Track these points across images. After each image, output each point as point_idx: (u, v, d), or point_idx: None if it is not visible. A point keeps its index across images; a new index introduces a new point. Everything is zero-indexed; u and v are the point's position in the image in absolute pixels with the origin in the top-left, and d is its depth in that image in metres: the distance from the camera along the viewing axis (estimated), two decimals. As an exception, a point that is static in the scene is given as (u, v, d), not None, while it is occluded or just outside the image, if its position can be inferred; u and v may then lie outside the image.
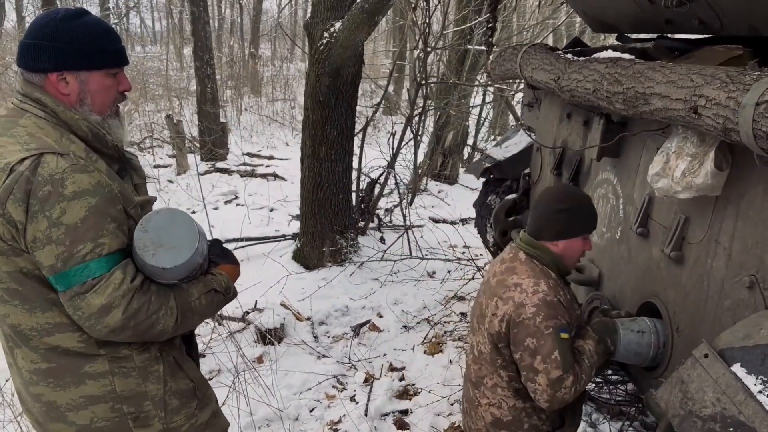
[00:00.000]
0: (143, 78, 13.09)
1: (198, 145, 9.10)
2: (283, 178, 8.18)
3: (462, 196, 7.31)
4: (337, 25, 4.51)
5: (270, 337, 3.66)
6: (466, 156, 8.80)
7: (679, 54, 2.50)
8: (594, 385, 3.11)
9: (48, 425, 1.52)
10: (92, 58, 1.45)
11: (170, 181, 7.92)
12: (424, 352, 3.68)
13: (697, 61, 2.27)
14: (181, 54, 21.57)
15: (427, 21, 4.69)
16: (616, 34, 3.34)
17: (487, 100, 9.04)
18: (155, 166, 8.66)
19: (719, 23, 2.26)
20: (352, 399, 3.22)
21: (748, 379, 1.45)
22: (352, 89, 4.74)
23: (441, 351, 3.67)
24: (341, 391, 3.30)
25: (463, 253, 5.27)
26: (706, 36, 2.76)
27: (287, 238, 5.55)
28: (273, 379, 3.25)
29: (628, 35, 3.10)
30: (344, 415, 3.06)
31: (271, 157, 9.54)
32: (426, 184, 7.40)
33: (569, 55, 2.88)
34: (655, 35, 3.12)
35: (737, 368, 1.49)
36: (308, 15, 4.94)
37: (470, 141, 8.65)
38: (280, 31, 24.75)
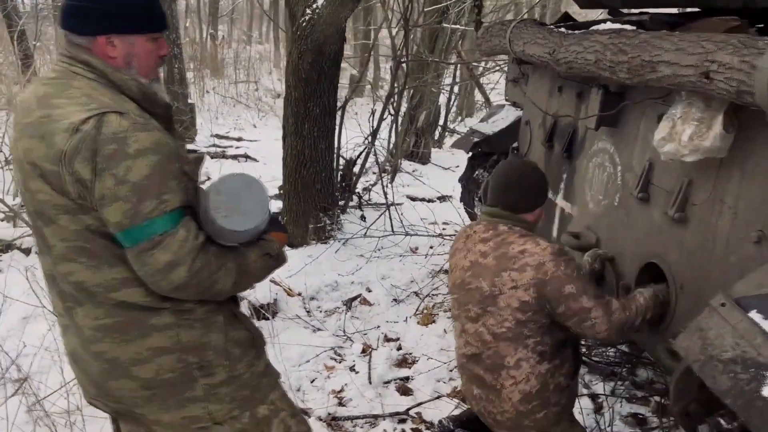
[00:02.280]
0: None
1: (165, 127, 8.93)
2: (255, 159, 8.11)
3: (436, 175, 7.39)
4: (320, 1, 4.49)
5: (264, 312, 3.68)
6: (437, 137, 8.88)
7: (673, 27, 2.60)
8: (585, 348, 3.24)
9: (108, 383, 1.53)
10: (139, 22, 1.49)
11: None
12: (418, 323, 3.75)
13: (696, 32, 2.37)
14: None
15: (410, -2, 4.72)
16: (601, 11, 3.43)
17: (457, 79, 9.12)
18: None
19: (714, -4, 2.37)
20: (352, 369, 3.28)
21: (765, 324, 1.56)
22: (335, 66, 4.74)
23: (434, 321, 3.76)
24: (340, 362, 3.35)
25: (444, 229, 5.35)
26: (694, 10, 2.88)
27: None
28: (273, 353, 3.27)
29: (620, 11, 3.19)
30: (346, 384, 3.11)
31: (240, 139, 9.44)
32: (400, 163, 7.45)
33: (562, 29, 2.96)
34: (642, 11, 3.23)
35: (754, 314, 1.59)
36: (289, -9, 4.89)
37: (441, 122, 8.73)
38: (237, 13, 24.31)
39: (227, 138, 9.47)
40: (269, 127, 10.52)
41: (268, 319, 3.64)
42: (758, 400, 1.46)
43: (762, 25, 2.33)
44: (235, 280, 1.51)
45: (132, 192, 1.36)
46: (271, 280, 4.07)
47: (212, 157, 8.10)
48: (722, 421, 1.70)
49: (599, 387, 3.01)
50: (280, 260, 1.68)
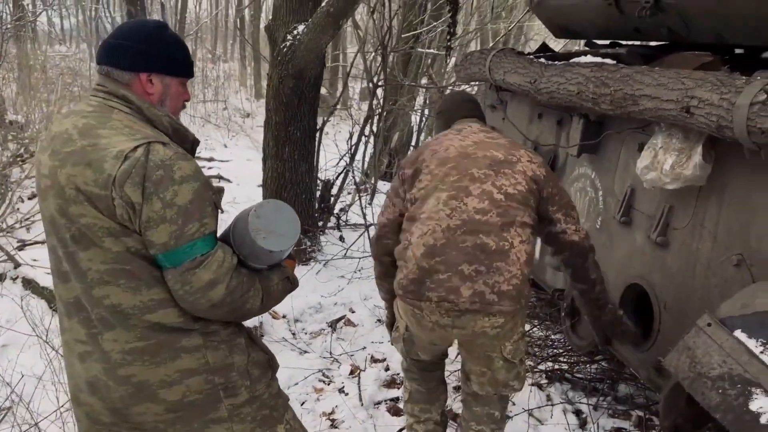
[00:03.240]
0: (62, 78, 12.52)
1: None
2: (228, 180, 8.09)
3: (409, 194, 7.49)
4: (301, 27, 4.57)
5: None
6: (408, 156, 9.00)
7: (648, 59, 2.76)
8: (568, 366, 3.35)
9: (130, 408, 1.55)
10: (176, 66, 1.64)
11: (110, 185, 7.68)
12: (403, 343, 3.81)
13: (670, 66, 2.53)
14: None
15: (389, 24, 4.84)
16: (577, 40, 3.60)
17: (428, 102, 9.28)
18: (91, 170, 8.36)
19: (687, 32, 2.53)
20: (341, 390, 3.32)
21: (750, 342, 1.68)
22: (315, 90, 4.82)
23: (419, 342, 3.82)
24: (328, 384, 3.39)
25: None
26: (663, 43, 3.05)
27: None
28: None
29: (595, 41, 3.36)
30: (337, 405, 3.15)
31: (211, 159, 9.40)
32: (375, 184, 7.54)
33: (542, 59, 3.10)
34: (610, 41, 3.40)
35: (738, 333, 1.72)
36: (269, 17, 4.97)
37: (413, 142, 8.87)
38: (202, 33, 24.22)
39: (198, 158, 9.44)
40: (240, 147, 10.52)
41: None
42: (746, 414, 1.57)
43: (733, 56, 2.50)
44: (263, 300, 1.60)
45: (178, 215, 1.46)
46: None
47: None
48: (712, 435, 1.81)
49: (583, 405, 3.11)
50: (294, 284, 1.77)
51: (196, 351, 1.56)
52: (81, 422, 1.68)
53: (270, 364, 1.76)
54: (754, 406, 1.57)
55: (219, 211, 1.60)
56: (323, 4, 4.50)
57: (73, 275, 1.54)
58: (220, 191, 1.62)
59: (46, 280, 4.24)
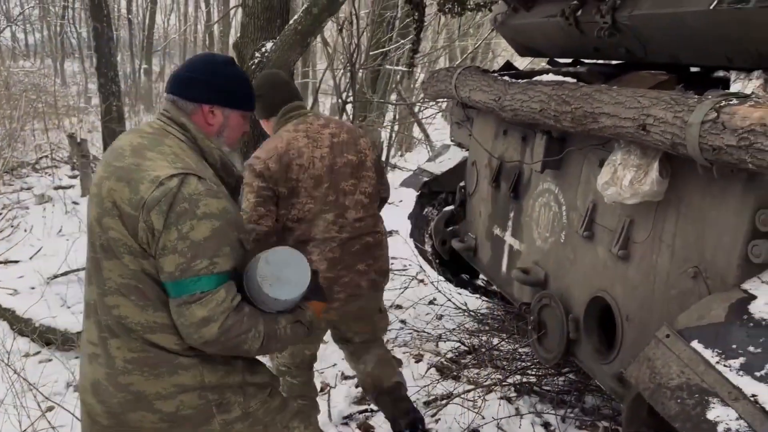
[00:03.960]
0: (26, 95, 12.32)
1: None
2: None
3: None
4: (269, 45, 4.59)
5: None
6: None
7: (608, 78, 2.84)
8: (536, 378, 3.39)
9: (127, 415, 1.63)
10: (239, 99, 1.77)
11: (75, 203, 7.57)
12: (373, 359, 3.81)
13: (627, 84, 2.61)
14: (62, 69, 20.48)
15: (357, 41, 4.89)
16: (540, 58, 3.69)
17: (398, 117, 9.38)
18: (56, 188, 8.24)
19: (643, 51, 2.62)
20: (311, 409, 3.30)
21: (706, 353, 1.73)
22: (284, 107, 4.83)
23: (389, 357, 3.82)
24: (299, 403, 3.37)
25: (392, 264, 5.45)
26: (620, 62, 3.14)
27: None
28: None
29: (557, 60, 3.44)
30: (307, 424, 3.13)
31: (180, 176, 9.34)
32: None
33: (506, 77, 3.17)
34: (573, 59, 3.49)
35: (695, 344, 1.77)
36: (237, 35, 4.98)
37: (383, 157, 8.92)
38: (170, 48, 24.06)
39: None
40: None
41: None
42: (704, 423, 1.61)
43: (688, 75, 2.58)
44: (263, 343, 1.62)
45: (189, 249, 1.52)
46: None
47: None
48: (672, 444, 1.85)
49: (551, 417, 3.15)
50: (311, 329, 1.79)
51: (193, 368, 1.62)
52: (84, 420, 1.74)
53: (268, 383, 1.80)
54: (711, 415, 1.62)
55: (245, 250, 1.66)
56: (291, 21, 4.54)
57: (95, 280, 1.64)
58: (251, 231, 1.74)
59: (9, 301, 4.15)
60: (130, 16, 20.55)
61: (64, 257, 4.92)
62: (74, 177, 8.67)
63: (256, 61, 4.59)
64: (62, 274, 4.82)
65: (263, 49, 4.59)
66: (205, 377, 1.62)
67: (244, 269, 1.66)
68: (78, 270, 4.84)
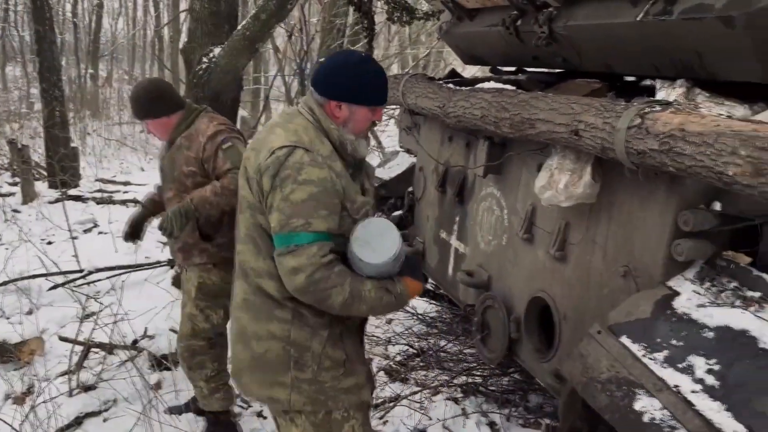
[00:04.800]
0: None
1: (45, 173, 8.48)
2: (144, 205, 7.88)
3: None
4: (217, 50, 4.57)
5: (165, 362, 3.61)
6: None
7: (546, 86, 2.94)
8: (482, 379, 3.46)
9: (234, 345, 2.00)
10: (366, 97, 1.91)
11: (16, 211, 7.33)
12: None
13: (563, 92, 2.71)
14: (3, 73, 19.84)
15: (306, 48, 4.91)
16: (483, 66, 3.78)
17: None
18: (-4, 195, 7.96)
19: (579, 60, 2.72)
20: (260, 415, 3.29)
21: (634, 347, 1.82)
22: (233, 113, 4.81)
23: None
24: (247, 409, 3.35)
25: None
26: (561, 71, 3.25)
27: (162, 264, 5.43)
28: (178, 404, 3.23)
29: (499, 68, 3.54)
30: (255, 428, 3.13)
31: (127, 183, 9.14)
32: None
33: (450, 85, 3.24)
34: (516, 68, 3.60)
35: (624, 339, 1.85)
36: (184, 40, 4.94)
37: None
38: (118, 52, 23.52)
39: (113, 182, 9.15)
40: (158, 170, 10.26)
41: (170, 369, 3.57)
42: (631, 413, 1.69)
43: (622, 84, 2.70)
44: (346, 299, 1.82)
45: (288, 208, 1.79)
46: (170, 329, 4.01)
47: (98, 203, 7.80)
48: (603, 435, 1.93)
49: (495, 416, 3.22)
50: (399, 300, 1.93)
51: (284, 323, 1.89)
52: None
53: (345, 364, 1.97)
54: (637, 405, 1.70)
55: (347, 217, 1.88)
56: (239, 27, 4.54)
57: (236, 230, 2.01)
58: (364, 204, 1.94)
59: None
60: (75, 20, 20.02)
61: (2, 267, 4.77)
62: (14, 184, 8.39)
63: (203, 66, 4.56)
64: (1, 284, 4.66)
65: (211, 55, 4.56)
66: (292, 334, 1.89)
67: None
68: (17, 279, 4.69)
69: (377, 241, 1.80)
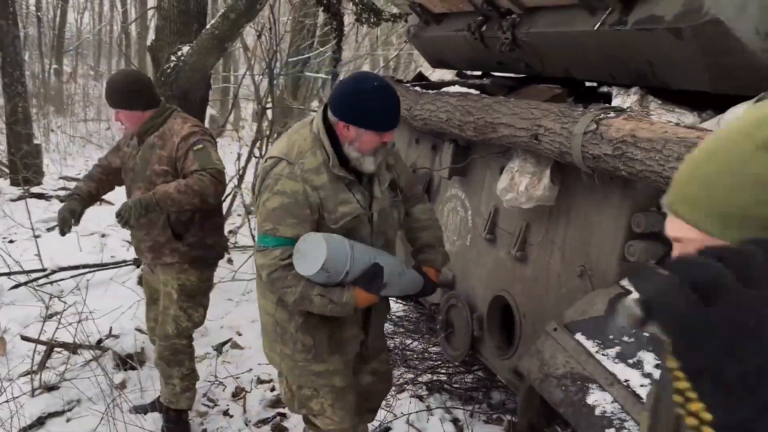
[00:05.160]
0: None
1: (7, 170, 8.30)
2: (110, 203, 7.77)
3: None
4: (185, 48, 4.55)
5: (131, 362, 3.59)
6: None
7: (510, 90, 3.01)
8: (447, 377, 3.53)
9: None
10: (372, 123, 1.96)
11: (-24, 209, 7.16)
12: (289, 363, 3.84)
13: (525, 96, 2.79)
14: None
15: (275, 48, 4.92)
16: (451, 70, 3.85)
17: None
18: (-45, 193, 7.76)
19: (541, 66, 2.80)
20: (226, 413, 3.30)
21: (588, 343, 1.90)
22: (201, 112, 4.79)
23: (305, 361, 3.86)
24: (213, 408, 3.36)
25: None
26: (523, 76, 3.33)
27: (128, 263, 5.38)
28: (143, 403, 3.22)
29: (465, 72, 3.61)
30: (221, 427, 3.14)
31: (92, 181, 9.00)
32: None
33: (417, 88, 3.30)
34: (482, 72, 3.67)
35: (579, 336, 1.93)
36: (152, 38, 4.90)
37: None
38: (83, 47, 23.05)
39: (78, 180, 8.98)
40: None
41: (135, 368, 3.55)
42: (584, 407, 1.77)
43: (583, 90, 2.79)
44: (296, 300, 2.00)
45: (262, 213, 2.00)
46: (136, 329, 3.99)
47: (62, 201, 7.65)
48: (558, 429, 2.01)
49: (459, 412, 3.29)
50: (344, 309, 2.04)
51: (273, 303, 2.15)
52: None
53: (311, 350, 2.15)
54: (590, 399, 1.78)
55: (325, 225, 2.01)
56: (208, 26, 4.52)
57: None
58: (347, 215, 2.03)
59: None
60: (39, 14, 19.57)
61: (-38, 266, 4.68)
62: (-25, 181, 8.20)
63: (172, 64, 4.53)
64: (-39, 283, 4.57)
65: (179, 53, 4.54)
66: (277, 314, 2.15)
67: None
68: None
69: (311, 254, 1.92)
